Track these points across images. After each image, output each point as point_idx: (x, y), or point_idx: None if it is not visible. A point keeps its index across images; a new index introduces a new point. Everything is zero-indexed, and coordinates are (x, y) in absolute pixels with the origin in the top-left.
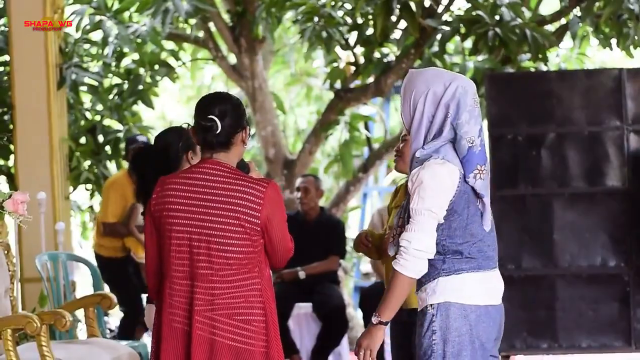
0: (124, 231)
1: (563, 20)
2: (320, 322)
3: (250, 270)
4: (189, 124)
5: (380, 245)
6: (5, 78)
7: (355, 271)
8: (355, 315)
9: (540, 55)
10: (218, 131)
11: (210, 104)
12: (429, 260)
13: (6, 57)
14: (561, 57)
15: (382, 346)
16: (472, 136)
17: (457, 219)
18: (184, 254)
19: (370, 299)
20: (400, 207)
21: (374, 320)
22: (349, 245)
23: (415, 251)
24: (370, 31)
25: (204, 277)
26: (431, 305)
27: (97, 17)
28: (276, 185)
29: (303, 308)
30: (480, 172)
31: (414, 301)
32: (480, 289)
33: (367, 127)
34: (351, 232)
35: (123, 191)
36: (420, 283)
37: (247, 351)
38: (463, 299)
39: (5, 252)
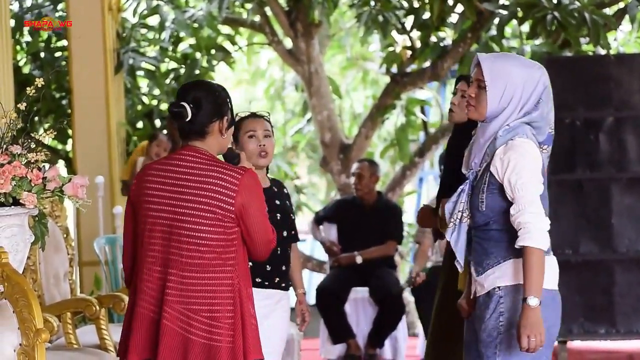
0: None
1: (621, 4)
2: (376, 306)
3: (225, 262)
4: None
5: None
6: (64, 63)
7: (411, 256)
8: (411, 300)
9: (600, 41)
10: (188, 118)
11: (185, 91)
12: (500, 242)
13: (64, 42)
14: (619, 40)
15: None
16: (552, 124)
17: None
18: (157, 239)
19: (425, 284)
20: (460, 191)
21: (533, 303)
22: (406, 230)
23: (542, 224)
24: (426, 15)
25: (176, 264)
26: (499, 287)
27: (154, 2)
28: (254, 174)
29: (360, 292)
30: (545, 151)
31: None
32: (549, 272)
33: (423, 112)
34: (408, 217)
35: (137, 155)
36: (488, 265)
37: (214, 347)
38: None
39: (65, 235)
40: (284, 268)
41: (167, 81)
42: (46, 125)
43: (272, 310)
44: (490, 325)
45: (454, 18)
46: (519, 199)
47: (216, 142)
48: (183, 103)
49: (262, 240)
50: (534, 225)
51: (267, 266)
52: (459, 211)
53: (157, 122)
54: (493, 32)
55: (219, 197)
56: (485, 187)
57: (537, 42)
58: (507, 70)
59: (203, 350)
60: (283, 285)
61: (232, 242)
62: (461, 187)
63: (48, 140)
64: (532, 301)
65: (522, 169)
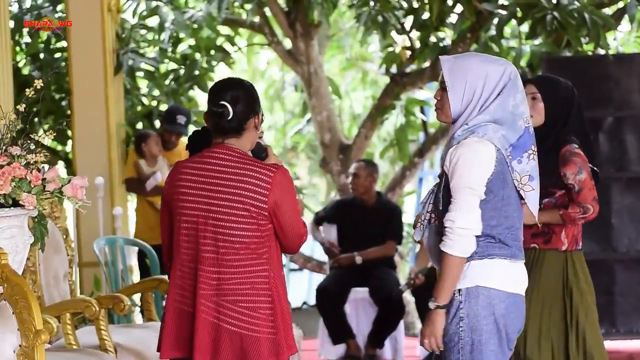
0: (138, 185)
1: (621, 4)
2: (376, 306)
3: (259, 256)
4: None
5: None
6: (63, 64)
7: (411, 256)
8: (411, 300)
9: (600, 41)
10: (230, 117)
11: (222, 90)
12: None
13: (64, 43)
14: (619, 40)
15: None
16: (527, 117)
17: (493, 199)
18: (191, 237)
19: (425, 284)
20: (430, 191)
21: (432, 305)
22: (406, 231)
23: (460, 229)
24: (426, 15)
25: (208, 261)
26: (459, 290)
27: (154, 3)
28: (286, 171)
29: (360, 293)
30: (533, 152)
31: None
32: (510, 276)
33: (423, 112)
34: (407, 217)
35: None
36: None
37: (252, 337)
38: (493, 283)
39: (64, 236)
40: None
41: (167, 82)
42: (46, 127)
43: None
44: (451, 330)
45: (453, 18)
46: (454, 201)
47: (250, 137)
48: (223, 102)
49: (295, 235)
50: (455, 231)
51: None
52: (427, 212)
53: (157, 123)
54: (492, 32)
55: (252, 196)
56: (442, 186)
57: (537, 42)
58: (467, 69)
59: (237, 338)
60: None
61: (266, 238)
62: (431, 188)
63: (47, 141)
64: (431, 304)
65: (465, 170)
